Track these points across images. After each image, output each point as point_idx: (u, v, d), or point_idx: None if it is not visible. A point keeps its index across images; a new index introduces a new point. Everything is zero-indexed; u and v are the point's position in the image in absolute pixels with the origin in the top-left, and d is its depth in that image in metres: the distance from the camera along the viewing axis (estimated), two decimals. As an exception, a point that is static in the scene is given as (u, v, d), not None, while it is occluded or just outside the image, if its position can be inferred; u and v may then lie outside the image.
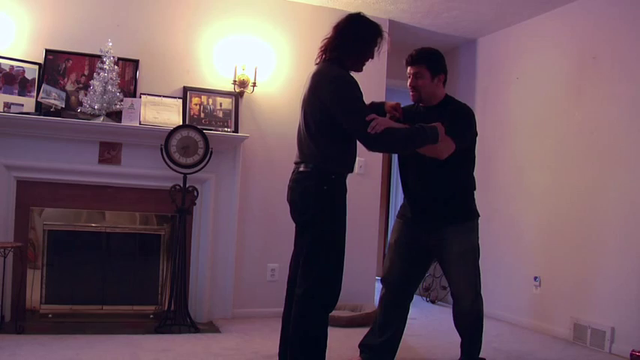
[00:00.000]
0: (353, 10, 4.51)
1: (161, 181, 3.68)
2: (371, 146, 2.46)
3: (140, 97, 3.78)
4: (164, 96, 3.86)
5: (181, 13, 4.00)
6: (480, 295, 2.88)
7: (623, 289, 3.47)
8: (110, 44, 3.59)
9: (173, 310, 3.56)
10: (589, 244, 3.73)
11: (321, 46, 2.55)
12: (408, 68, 2.82)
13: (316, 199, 2.43)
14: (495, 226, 4.60)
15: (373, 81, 4.57)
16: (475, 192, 2.91)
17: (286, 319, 2.59)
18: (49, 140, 3.53)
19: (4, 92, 3.49)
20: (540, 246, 4.13)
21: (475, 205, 2.91)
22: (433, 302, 5.04)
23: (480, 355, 2.93)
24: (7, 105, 3.48)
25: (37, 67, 3.60)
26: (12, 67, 3.53)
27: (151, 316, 3.75)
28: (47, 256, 3.59)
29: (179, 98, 3.89)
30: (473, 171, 2.91)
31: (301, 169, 2.49)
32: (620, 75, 3.63)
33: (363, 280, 4.39)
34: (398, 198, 6.37)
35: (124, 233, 3.81)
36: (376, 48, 2.54)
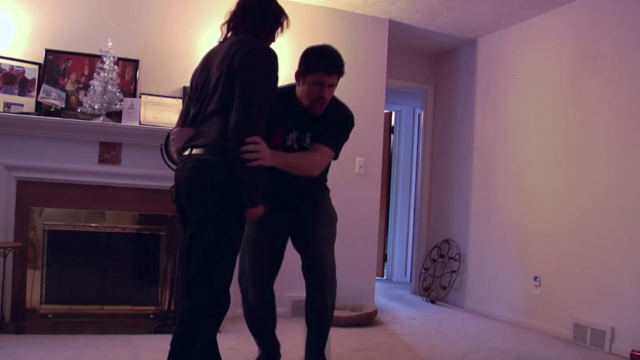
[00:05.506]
0: (353, 9, 4.55)
1: (161, 181, 3.67)
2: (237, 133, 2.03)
3: (140, 97, 3.78)
4: (164, 96, 3.86)
5: (181, 13, 4.00)
6: (334, 288, 2.63)
7: (623, 289, 3.48)
8: (110, 44, 3.59)
9: (173, 310, 3.56)
10: (589, 243, 3.73)
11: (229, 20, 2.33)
12: (323, 76, 2.46)
13: (222, 191, 2.10)
14: (495, 226, 4.60)
15: (373, 81, 4.58)
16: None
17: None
18: (49, 140, 3.52)
19: (4, 92, 3.49)
20: (540, 246, 4.13)
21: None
22: (433, 302, 5.03)
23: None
24: (7, 105, 3.48)
25: (37, 67, 3.60)
26: (12, 67, 3.53)
27: (151, 316, 3.74)
28: (47, 256, 3.59)
29: (179, 98, 3.89)
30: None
31: (207, 156, 2.11)
32: (620, 75, 3.63)
33: (363, 280, 4.39)
34: (398, 198, 6.37)
35: (124, 233, 3.80)
36: (279, 30, 2.36)
